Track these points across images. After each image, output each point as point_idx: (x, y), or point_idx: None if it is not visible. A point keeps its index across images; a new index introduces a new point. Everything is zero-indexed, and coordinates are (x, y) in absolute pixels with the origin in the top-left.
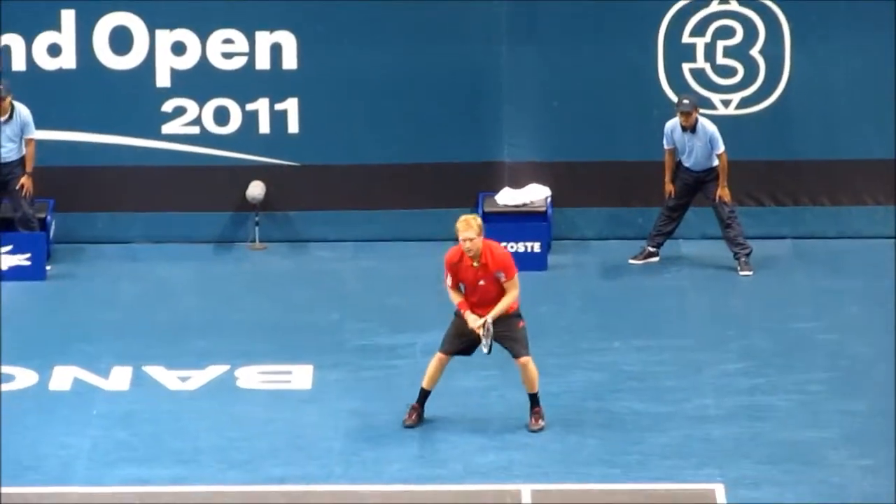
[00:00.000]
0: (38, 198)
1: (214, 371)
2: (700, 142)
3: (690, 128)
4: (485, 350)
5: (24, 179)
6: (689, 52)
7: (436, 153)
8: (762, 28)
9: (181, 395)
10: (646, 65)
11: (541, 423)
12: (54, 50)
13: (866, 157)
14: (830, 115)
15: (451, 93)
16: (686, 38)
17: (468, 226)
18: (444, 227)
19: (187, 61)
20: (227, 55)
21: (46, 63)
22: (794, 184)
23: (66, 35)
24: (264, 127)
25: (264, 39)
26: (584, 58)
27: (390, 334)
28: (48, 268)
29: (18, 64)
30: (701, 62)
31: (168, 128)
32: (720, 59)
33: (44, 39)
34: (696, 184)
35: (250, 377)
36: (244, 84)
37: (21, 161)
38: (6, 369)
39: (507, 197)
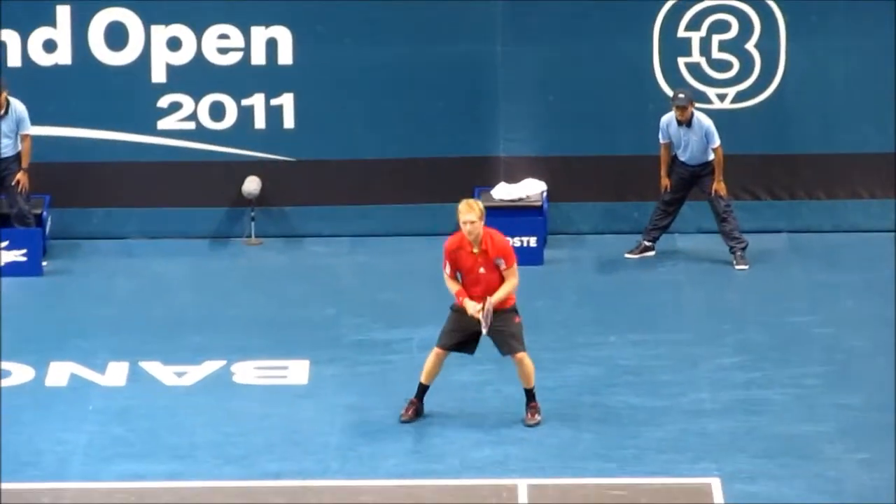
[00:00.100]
0: (34, 194)
1: (210, 366)
2: (696, 136)
3: (686, 122)
4: (483, 330)
5: (20, 175)
6: (684, 47)
7: (431, 148)
8: (757, 22)
9: (177, 390)
10: (641, 59)
11: (537, 417)
12: (50, 46)
13: (862, 151)
14: (826, 108)
15: (447, 88)
16: (681, 33)
17: (470, 208)
18: (439, 222)
19: (183, 57)
20: (223, 50)
21: (42, 59)
22: (790, 178)
23: (62, 31)
24: (260, 122)
25: (260, 35)
26: (580, 53)
27: (386, 329)
28: (44, 263)
29: (14, 60)
30: (696, 56)
31: (164, 123)
32: (715, 54)
33: (39, 35)
34: (692, 178)
35: (246, 372)
36: (240, 79)
37: (17, 157)
38: (3, 365)
39: (503, 192)
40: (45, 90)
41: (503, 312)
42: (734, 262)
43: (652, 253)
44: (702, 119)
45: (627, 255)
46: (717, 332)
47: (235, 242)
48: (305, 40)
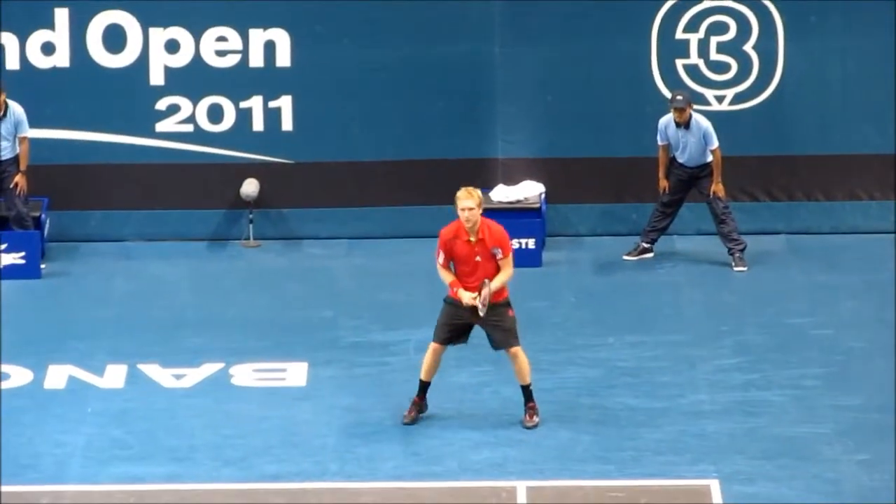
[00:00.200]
0: (32, 196)
1: (209, 368)
2: (694, 137)
3: (684, 124)
4: (481, 313)
5: (18, 178)
6: (682, 48)
7: (429, 150)
8: (755, 23)
9: (176, 392)
10: (639, 61)
11: (535, 419)
12: (48, 48)
13: (861, 152)
14: (825, 110)
15: (445, 89)
16: (679, 34)
17: (469, 195)
18: (438, 224)
19: (181, 59)
20: (221, 53)
21: (40, 61)
22: (788, 179)
23: (60, 33)
24: (258, 124)
25: (258, 37)
26: (578, 54)
27: (384, 331)
28: (43, 266)
29: (12, 62)
30: (694, 58)
31: (162, 126)
32: (714, 55)
33: (38, 38)
34: (690, 179)
35: (245, 374)
36: (238, 82)
37: (15, 159)
38: (1, 367)
39: (502, 194)
40: (43, 93)
41: (497, 306)
42: (733, 264)
43: (650, 255)
44: (700, 121)
45: (626, 257)
46: (715, 333)
47: (234, 244)
48: (303, 42)
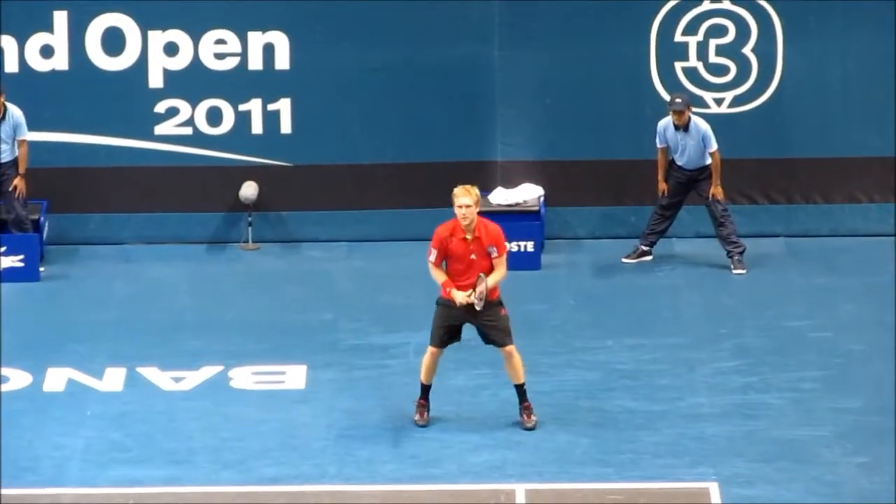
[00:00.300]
0: (31, 199)
1: (208, 371)
2: (693, 140)
3: (683, 126)
4: (477, 307)
5: (17, 181)
6: (681, 51)
7: (429, 152)
8: (754, 26)
9: (175, 395)
10: (638, 64)
11: (533, 418)
12: (47, 51)
13: (859, 155)
14: (823, 112)
15: (445, 92)
16: (678, 37)
17: (466, 192)
18: (437, 227)
19: (180, 62)
20: (220, 56)
21: (39, 64)
22: (787, 182)
23: (59, 36)
24: (257, 127)
25: (257, 40)
26: (577, 57)
27: (383, 334)
28: (41, 269)
29: (11, 65)
30: (693, 61)
31: (161, 128)
32: (712, 58)
33: (36, 41)
34: (690, 182)
35: (244, 377)
36: (237, 84)
37: (14, 162)
38: (1, 370)
39: (501, 196)
40: (42, 95)
41: (490, 305)
42: (732, 267)
43: (649, 257)
44: (699, 123)
45: (625, 260)
46: (714, 336)
47: (233, 247)
48: (302, 45)
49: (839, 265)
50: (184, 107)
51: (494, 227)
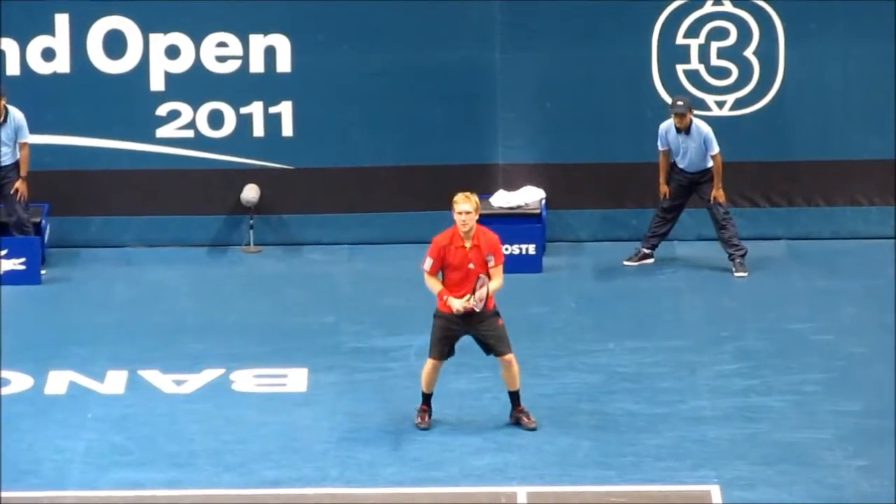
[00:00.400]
0: (32, 202)
1: (209, 374)
2: (694, 143)
3: (685, 129)
4: (477, 310)
5: (18, 183)
6: (683, 54)
7: (430, 155)
8: (756, 29)
9: (176, 398)
10: (640, 66)
11: (533, 418)
12: (48, 54)
13: (861, 158)
14: (825, 115)
15: (446, 95)
16: (680, 40)
17: (467, 199)
18: (438, 230)
19: (181, 65)
20: (221, 58)
21: (41, 67)
22: (788, 184)
23: (61, 39)
24: (258, 130)
25: (258, 42)
26: (579, 59)
27: (385, 337)
28: (43, 272)
29: (13, 68)
30: (695, 63)
31: (162, 131)
32: (714, 61)
33: (38, 43)
34: (691, 185)
35: (245, 380)
36: (238, 87)
37: (15, 165)
38: (2, 373)
39: (502, 199)
40: (43, 98)
41: (486, 316)
42: (733, 270)
43: (651, 260)
44: (700, 126)
45: (626, 263)
46: (716, 339)
47: (234, 250)
48: (304, 48)
49: (840, 268)
50: (185, 110)
51: (493, 236)
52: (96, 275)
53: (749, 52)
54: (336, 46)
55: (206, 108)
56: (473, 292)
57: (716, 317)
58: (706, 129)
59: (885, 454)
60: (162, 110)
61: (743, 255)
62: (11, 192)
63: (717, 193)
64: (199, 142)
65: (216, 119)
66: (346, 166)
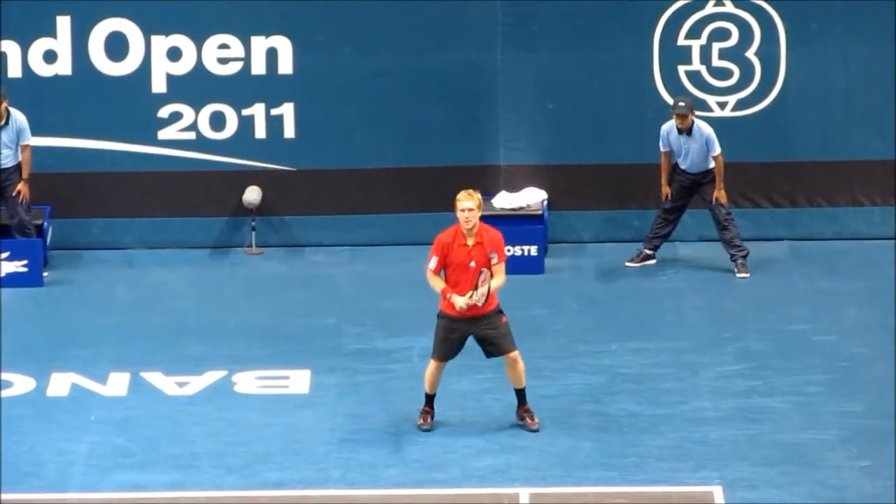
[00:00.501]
0: (34, 204)
1: (212, 376)
2: (696, 144)
3: (686, 130)
4: (479, 304)
5: (20, 186)
6: (684, 55)
7: (432, 157)
8: (758, 30)
9: (178, 400)
10: (641, 67)
11: (537, 420)
12: (50, 56)
13: (863, 158)
14: (827, 116)
15: (447, 96)
16: (681, 41)
17: (469, 196)
18: (439, 232)
19: (183, 67)
20: (223, 60)
21: (42, 69)
22: (790, 185)
23: (62, 41)
24: (260, 132)
25: (260, 44)
26: (580, 61)
27: (387, 338)
28: (45, 274)
29: (14, 70)
30: (696, 64)
31: (164, 133)
32: (716, 61)
33: (40, 46)
34: (693, 186)
35: (247, 382)
36: (240, 89)
37: (17, 167)
38: (4, 375)
39: (504, 200)
40: (45, 100)
41: (489, 314)
42: (735, 270)
43: (653, 261)
44: (702, 127)
45: (628, 264)
46: (717, 339)
47: (236, 252)
48: (305, 50)
49: (842, 268)
50: (187, 111)
51: (496, 233)
52: (98, 277)
53: (750, 53)
54: (338, 48)
55: (208, 109)
56: (475, 288)
57: (718, 318)
58: (708, 130)
59: (888, 455)
60: (164, 112)
61: (745, 256)
62: (13, 194)
63: (719, 194)
64: (201, 143)
65: (218, 121)
66: (348, 168)
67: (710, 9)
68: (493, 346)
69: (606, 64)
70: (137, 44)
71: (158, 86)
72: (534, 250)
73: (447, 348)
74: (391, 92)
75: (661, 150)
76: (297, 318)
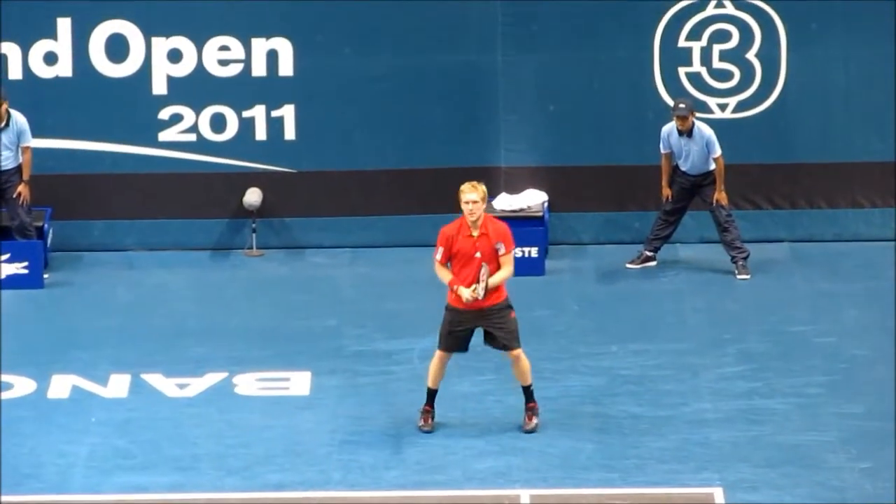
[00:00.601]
0: (35, 206)
1: (212, 378)
2: (696, 146)
3: (687, 132)
4: (480, 297)
5: (21, 187)
6: (685, 56)
7: (432, 158)
8: (758, 31)
9: (179, 401)
10: (642, 69)
11: (534, 420)
12: (51, 58)
13: (863, 160)
14: (827, 117)
15: (448, 98)
16: (682, 42)
17: (473, 188)
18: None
19: (183, 68)
20: (224, 62)
21: (43, 71)
22: (790, 187)
23: (63, 43)
24: (261, 133)
25: (260, 46)
26: (581, 62)
27: (387, 340)
28: (46, 276)
29: (15, 72)
30: (697, 66)
31: (165, 135)
32: (716, 63)
33: (40, 48)
34: (693, 188)
35: (248, 384)
36: (240, 91)
37: (18, 169)
38: (4, 377)
39: (505, 202)
40: (46, 102)
41: (498, 309)
42: (736, 272)
43: (653, 263)
44: (703, 129)
45: (629, 265)
46: (718, 341)
47: (237, 253)
48: (306, 51)
49: (843, 270)
50: (187, 113)
51: (501, 224)
52: (99, 278)
53: (751, 55)
54: (338, 49)
55: (209, 111)
56: (478, 281)
57: (718, 319)
58: (708, 132)
59: (888, 456)
60: (164, 114)
61: (745, 258)
62: (14, 195)
63: (720, 196)
64: (202, 145)
65: (218, 122)
66: (348, 169)
67: (710, 10)
68: (497, 342)
69: (607, 65)
70: (138, 45)
71: (159, 87)
72: (534, 252)
73: (452, 340)
74: (391, 93)
75: (662, 151)
76: (298, 320)
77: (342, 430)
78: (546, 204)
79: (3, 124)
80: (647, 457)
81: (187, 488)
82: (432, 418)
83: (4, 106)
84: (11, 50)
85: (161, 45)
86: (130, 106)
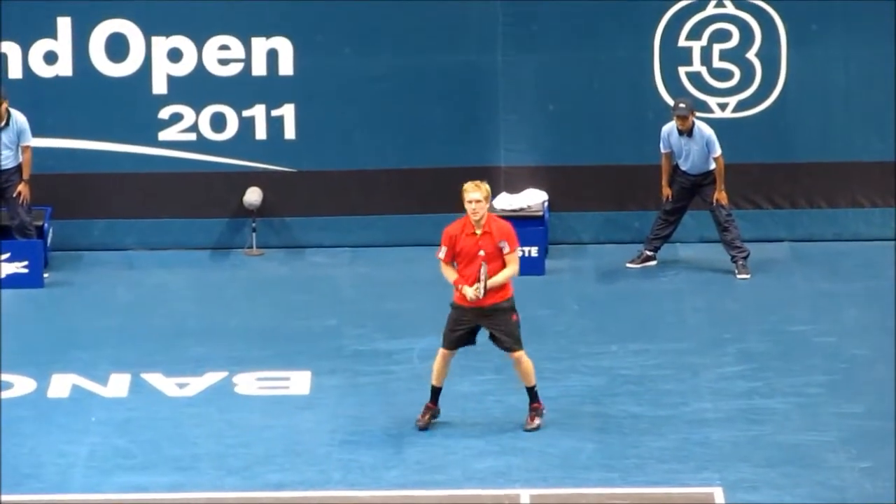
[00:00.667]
0: (35, 205)
1: (212, 377)
2: (697, 145)
3: (687, 131)
4: (481, 295)
5: (21, 187)
6: (685, 56)
7: (432, 158)
8: (758, 31)
9: (179, 401)
10: (642, 68)
11: (536, 421)
12: (51, 57)
13: (863, 160)
14: (827, 117)
15: (448, 97)
16: (682, 42)
17: (477, 187)
18: (440, 232)
19: (184, 68)
20: (224, 61)
21: (43, 70)
22: (790, 186)
23: (63, 42)
24: (261, 133)
25: (260, 46)
26: (581, 62)
27: (387, 340)
28: (46, 275)
29: (15, 71)
30: (697, 65)
31: (165, 134)
32: (716, 63)
33: (40, 47)
34: (693, 187)
35: (248, 383)
36: (240, 90)
37: (18, 168)
38: (4, 377)
39: (505, 202)
40: (46, 101)
41: (501, 310)
42: (736, 272)
43: (653, 262)
44: (703, 128)
45: (629, 265)
46: (718, 341)
47: (237, 253)
48: (306, 51)
49: (843, 270)
50: (188, 113)
51: (505, 223)
52: (99, 278)
53: (751, 55)
54: (338, 49)
55: (209, 111)
56: (479, 280)
57: (718, 319)
58: (708, 132)
59: (888, 456)
60: (164, 113)
61: (745, 258)
62: (14, 195)
63: (720, 195)
64: (202, 145)
65: (218, 122)
66: (349, 169)
67: (710, 10)
68: (499, 343)
69: (607, 65)
70: (138, 45)
71: (159, 87)
72: (534, 251)
73: (454, 338)
74: (391, 93)
75: (662, 151)
76: (298, 320)
77: (342, 429)
78: (546, 203)
79: (3, 123)
80: (647, 456)
81: (187, 488)
82: (432, 416)
83: (4, 105)
84: (11, 49)
85: (161, 44)
86: (130, 105)
